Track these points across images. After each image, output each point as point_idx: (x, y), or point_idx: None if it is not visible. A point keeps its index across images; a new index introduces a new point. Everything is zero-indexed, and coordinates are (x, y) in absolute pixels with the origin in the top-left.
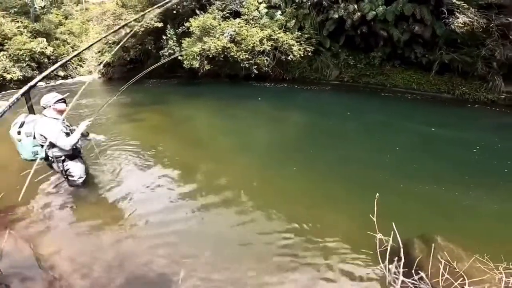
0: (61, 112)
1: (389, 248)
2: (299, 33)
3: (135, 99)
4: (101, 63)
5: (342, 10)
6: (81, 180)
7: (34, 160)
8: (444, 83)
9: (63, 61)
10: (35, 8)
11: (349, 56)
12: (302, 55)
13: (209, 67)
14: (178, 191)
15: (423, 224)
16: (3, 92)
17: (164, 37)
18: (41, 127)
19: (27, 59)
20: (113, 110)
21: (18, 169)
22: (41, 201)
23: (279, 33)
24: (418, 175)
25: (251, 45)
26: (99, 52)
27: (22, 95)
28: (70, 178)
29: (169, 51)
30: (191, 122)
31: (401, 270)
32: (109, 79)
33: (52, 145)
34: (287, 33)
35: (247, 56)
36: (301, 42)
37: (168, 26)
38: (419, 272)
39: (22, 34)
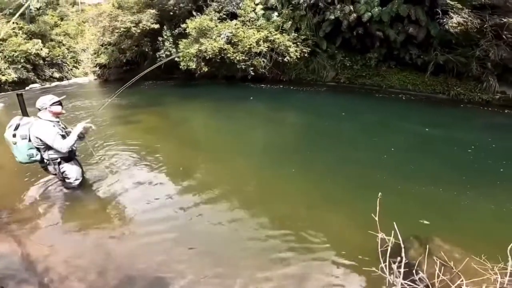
0: (56, 114)
1: (389, 248)
2: (296, 34)
3: (131, 101)
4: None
5: (338, 12)
6: (77, 182)
7: (29, 163)
8: (439, 83)
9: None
10: (30, 9)
11: (345, 57)
12: (299, 57)
13: (206, 69)
14: (175, 193)
15: (421, 224)
16: None
17: (160, 38)
18: (36, 130)
19: (22, 60)
20: (109, 112)
21: (14, 171)
22: (37, 203)
23: (275, 35)
24: (414, 176)
25: (248, 46)
26: (95, 53)
27: None
28: (66, 180)
29: (166, 52)
30: (188, 123)
31: (402, 270)
32: (105, 81)
33: (48, 148)
34: (283, 34)
35: (243, 57)
36: (298, 43)
37: (165, 27)
38: (419, 272)
39: (17, 35)
